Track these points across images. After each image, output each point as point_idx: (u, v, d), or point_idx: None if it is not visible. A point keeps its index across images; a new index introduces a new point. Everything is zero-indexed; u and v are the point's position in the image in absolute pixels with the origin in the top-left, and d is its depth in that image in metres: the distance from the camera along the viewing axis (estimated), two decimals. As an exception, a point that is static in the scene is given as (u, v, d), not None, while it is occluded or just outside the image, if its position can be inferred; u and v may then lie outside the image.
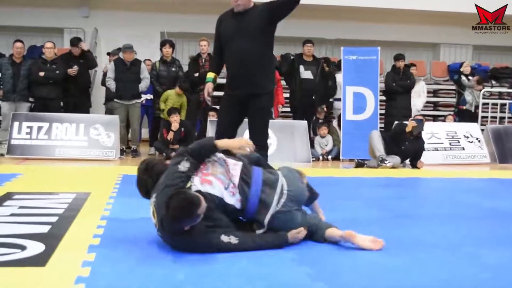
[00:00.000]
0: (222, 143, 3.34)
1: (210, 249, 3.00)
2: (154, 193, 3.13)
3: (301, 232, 3.20)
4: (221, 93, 5.55)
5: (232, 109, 4.83)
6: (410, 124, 8.00)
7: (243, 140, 3.47)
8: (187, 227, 2.94)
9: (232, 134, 4.84)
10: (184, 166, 3.14)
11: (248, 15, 4.66)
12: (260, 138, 4.68)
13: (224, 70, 5.11)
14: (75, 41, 9.11)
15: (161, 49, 9.31)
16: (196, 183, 3.12)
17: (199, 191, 3.06)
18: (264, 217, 3.18)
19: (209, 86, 4.97)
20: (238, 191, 3.20)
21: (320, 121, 9.78)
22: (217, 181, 3.17)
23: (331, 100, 10.25)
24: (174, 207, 2.86)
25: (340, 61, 9.78)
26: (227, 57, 4.82)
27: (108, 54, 10.40)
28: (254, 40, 4.63)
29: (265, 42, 4.73)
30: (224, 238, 3.02)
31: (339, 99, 9.69)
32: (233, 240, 3.02)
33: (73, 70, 8.72)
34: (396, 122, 8.59)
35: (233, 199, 3.18)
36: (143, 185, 3.31)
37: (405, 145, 7.98)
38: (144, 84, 8.67)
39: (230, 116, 4.85)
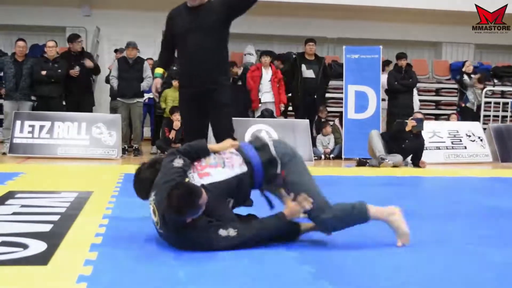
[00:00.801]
0: (213, 147, 3.36)
1: (211, 244, 2.99)
2: (153, 191, 3.14)
3: (303, 201, 3.12)
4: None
5: (192, 108, 4.72)
6: (409, 123, 8.01)
7: (229, 141, 3.42)
8: (189, 219, 2.94)
9: (204, 132, 4.79)
10: (178, 162, 3.16)
11: (203, 10, 4.58)
12: (226, 136, 4.65)
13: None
14: (73, 38, 9.10)
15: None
16: (196, 179, 3.12)
17: (201, 185, 3.06)
18: (276, 168, 3.19)
19: (157, 82, 4.88)
20: (235, 158, 3.21)
21: (323, 120, 9.78)
22: (213, 168, 3.17)
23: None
24: (176, 198, 2.87)
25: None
26: (181, 53, 4.73)
27: (116, 51, 10.41)
28: (210, 35, 4.55)
29: (221, 38, 4.66)
30: (222, 232, 3.00)
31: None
32: (232, 232, 3.00)
33: (75, 71, 8.71)
34: (397, 120, 8.59)
35: (236, 169, 3.17)
36: (145, 182, 3.30)
37: (405, 144, 7.99)
38: (146, 84, 8.66)
39: (193, 115, 4.75)
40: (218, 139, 4.62)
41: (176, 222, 2.96)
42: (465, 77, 10.70)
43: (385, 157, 7.77)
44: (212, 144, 3.51)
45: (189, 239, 3.01)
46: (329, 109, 11.28)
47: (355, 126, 8.95)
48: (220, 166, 3.18)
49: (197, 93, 4.63)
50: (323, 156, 9.08)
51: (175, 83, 8.84)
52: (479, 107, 10.63)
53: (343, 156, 8.99)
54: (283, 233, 3.19)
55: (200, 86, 4.60)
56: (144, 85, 8.65)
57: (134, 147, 8.82)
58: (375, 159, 7.84)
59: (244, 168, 3.19)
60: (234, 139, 4.65)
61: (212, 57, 4.60)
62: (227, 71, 4.91)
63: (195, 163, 3.23)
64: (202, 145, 3.32)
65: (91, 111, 9.24)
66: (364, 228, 3.30)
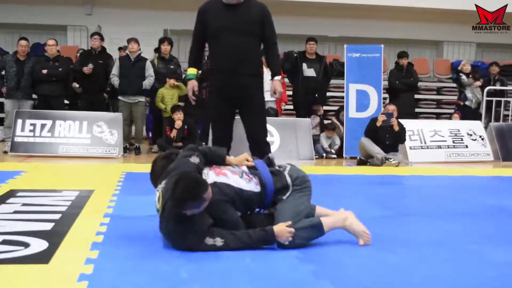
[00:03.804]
0: (231, 160, 3.37)
1: (195, 249, 2.98)
2: (163, 180, 3.16)
3: (290, 229, 3.08)
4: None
5: (224, 107, 4.71)
6: (380, 118, 8.06)
7: (246, 155, 3.43)
8: (190, 211, 2.93)
9: (230, 133, 4.77)
10: (194, 160, 3.19)
11: (241, 9, 4.54)
12: (260, 135, 4.62)
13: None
14: (91, 35, 9.21)
15: (159, 46, 9.33)
16: (211, 176, 3.15)
17: (214, 183, 3.08)
18: (286, 193, 3.27)
19: (194, 85, 4.76)
20: (252, 176, 3.26)
21: (326, 121, 9.69)
22: (231, 173, 3.22)
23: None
24: (181, 186, 2.89)
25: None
26: (215, 51, 4.68)
27: (120, 49, 10.42)
28: (246, 35, 4.54)
29: (256, 39, 4.67)
30: (209, 240, 2.99)
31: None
32: (219, 242, 2.99)
33: (88, 68, 8.71)
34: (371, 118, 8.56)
35: (251, 185, 3.22)
36: (159, 172, 3.32)
37: (386, 138, 8.03)
38: (148, 82, 8.64)
39: (225, 115, 4.74)
40: (253, 140, 4.62)
41: (175, 213, 2.96)
42: (463, 76, 10.69)
43: (389, 157, 7.81)
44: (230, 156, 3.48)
45: (178, 234, 3.00)
46: (330, 107, 11.29)
47: (356, 125, 8.91)
48: (238, 174, 3.23)
49: (231, 93, 4.61)
50: (324, 155, 9.04)
51: (171, 81, 8.83)
52: (478, 104, 10.61)
53: (344, 155, 8.96)
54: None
55: (234, 86, 4.58)
56: (146, 83, 8.62)
57: (135, 146, 8.82)
58: (377, 160, 7.84)
59: (258, 189, 3.23)
60: (267, 141, 4.66)
61: (247, 57, 4.58)
62: (261, 71, 4.88)
63: (213, 165, 3.27)
64: (221, 153, 3.36)
65: (104, 110, 9.25)
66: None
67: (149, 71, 8.68)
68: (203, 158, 3.23)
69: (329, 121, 9.74)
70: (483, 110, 10.53)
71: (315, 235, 3.18)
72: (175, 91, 8.90)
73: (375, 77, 9.22)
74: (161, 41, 9.27)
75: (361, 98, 9.13)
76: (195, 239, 2.98)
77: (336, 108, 11.14)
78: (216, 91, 4.77)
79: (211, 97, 4.88)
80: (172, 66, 9.14)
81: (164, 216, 3.05)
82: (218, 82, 4.72)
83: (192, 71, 4.83)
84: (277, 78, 4.82)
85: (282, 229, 3.07)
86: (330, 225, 3.22)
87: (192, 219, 2.97)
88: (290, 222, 3.11)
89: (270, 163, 3.46)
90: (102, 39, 9.15)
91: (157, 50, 9.56)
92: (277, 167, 3.41)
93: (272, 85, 4.82)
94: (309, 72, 9.23)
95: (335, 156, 8.97)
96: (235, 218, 3.14)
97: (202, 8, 4.74)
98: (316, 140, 9.13)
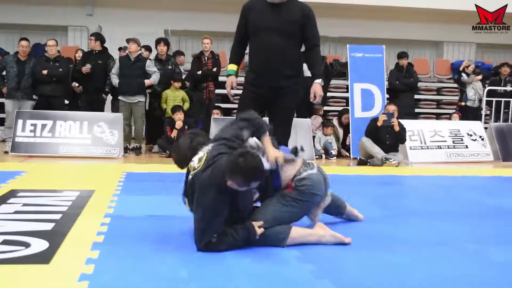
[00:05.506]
0: (267, 142, 3.29)
1: (205, 231, 2.99)
2: (210, 143, 3.20)
3: (260, 230, 3.11)
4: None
5: (254, 106, 4.49)
6: (380, 118, 8.07)
7: (280, 156, 3.29)
8: (229, 183, 2.92)
9: None
10: (245, 135, 3.21)
11: (284, 8, 4.46)
12: (282, 139, 4.57)
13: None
14: (91, 35, 9.23)
15: (156, 47, 9.33)
16: None
17: None
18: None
19: (233, 80, 4.73)
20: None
21: (326, 119, 9.68)
22: None
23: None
24: (244, 160, 2.89)
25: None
26: (256, 49, 4.60)
27: (120, 49, 10.43)
28: (287, 35, 4.46)
29: (297, 39, 4.59)
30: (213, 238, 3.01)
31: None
32: (212, 238, 3.00)
33: (86, 68, 8.72)
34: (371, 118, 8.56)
35: (268, 164, 3.19)
36: (188, 144, 3.32)
37: (387, 138, 8.05)
38: (155, 77, 8.62)
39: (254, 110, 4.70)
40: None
41: (217, 178, 2.95)
42: (463, 75, 10.70)
43: (389, 157, 7.81)
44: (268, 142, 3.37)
45: (203, 207, 2.99)
46: (330, 108, 11.27)
47: (363, 124, 8.77)
48: (260, 153, 3.19)
49: (266, 94, 4.54)
50: (323, 156, 9.01)
51: (175, 83, 8.85)
52: (480, 101, 10.61)
53: (351, 156, 8.89)
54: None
55: (269, 86, 4.50)
56: (154, 78, 8.59)
57: (135, 146, 8.82)
58: (377, 160, 7.85)
59: (274, 167, 3.23)
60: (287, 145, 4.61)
61: (284, 58, 4.50)
62: (298, 74, 4.78)
63: None
64: (267, 128, 3.31)
65: (103, 110, 9.26)
66: (364, 227, 3.30)
67: (153, 68, 8.68)
68: (252, 133, 3.22)
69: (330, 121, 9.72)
70: (483, 110, 10.54)
71: (273, 245, 3.15)
72: (180, 93, 8.90)
73: (378, 77, 9.20)
74: (157, 42, 9.28)
75: (367, 97, 9.10)
76: (210, 222, 2.98)
77: (335, 108, 11.13)
78: (249, 89, 4.69)
79: (243, 93, 4.80)
80: (170, 67, 9.15)
81: (200, 180, 3.03)
82: (253, 80, 4.65)
83: (232, 67, 4.78)
84: (317, 81, 4.68)
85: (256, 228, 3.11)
86: (300, 240, 3.20)
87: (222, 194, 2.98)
88: (261, 223, 3.12)
89: (295, 152, 3.40)
90: (98, 39, 9.10)
91: (150, 49, 9.59)
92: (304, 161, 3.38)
93: (312, 89, 4.67)
94: (309, 72, 9.17)
95: (334, 159, 8.92)
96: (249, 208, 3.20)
97: (246, 6, 4.65)
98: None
